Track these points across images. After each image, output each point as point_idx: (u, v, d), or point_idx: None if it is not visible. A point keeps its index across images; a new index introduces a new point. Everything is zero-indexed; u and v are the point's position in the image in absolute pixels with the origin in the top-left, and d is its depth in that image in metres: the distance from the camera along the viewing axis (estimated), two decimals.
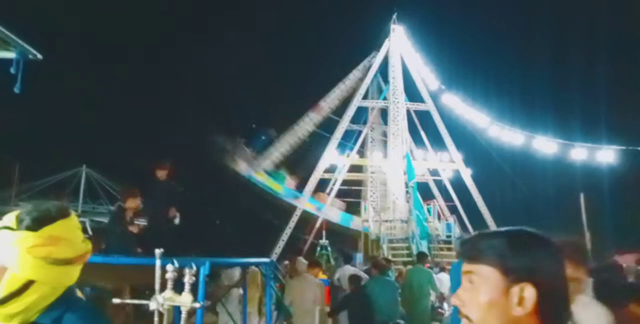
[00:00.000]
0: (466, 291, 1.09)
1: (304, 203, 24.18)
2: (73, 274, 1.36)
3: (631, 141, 18.89)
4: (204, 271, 3.77)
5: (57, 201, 1.40)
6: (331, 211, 24.53)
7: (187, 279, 1.88)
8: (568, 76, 34.39)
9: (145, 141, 36.71)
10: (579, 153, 21.12)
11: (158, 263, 1.79)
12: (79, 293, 1.45)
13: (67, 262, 1.31)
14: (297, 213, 24.20)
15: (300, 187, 24.74)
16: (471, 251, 1.11)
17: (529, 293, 1.01)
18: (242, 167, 23.18)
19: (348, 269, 9.41)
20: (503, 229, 1.13)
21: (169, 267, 1.80)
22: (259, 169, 23.83)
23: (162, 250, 1.78)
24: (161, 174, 6.96)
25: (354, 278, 7.64)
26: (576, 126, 26.95)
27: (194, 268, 1.89)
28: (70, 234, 1.34)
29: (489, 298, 1.04)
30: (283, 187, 23.48)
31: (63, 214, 1.34)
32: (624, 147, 19.58)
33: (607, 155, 20.44)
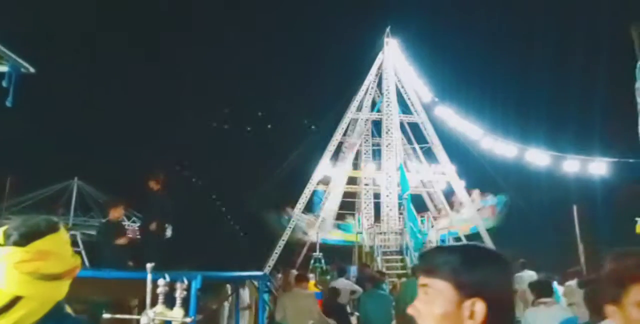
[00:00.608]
0: (422, 303, 1.16)
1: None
2: (62, 289, 1.34)
3: (623, 153, 19.03)
4: (196, 285, 3.73)
5: (49, 215, 1.38)
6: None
7: (179, 294, 1.86)
8: (561, 88, 34.75)
9: (139, 154, 36.63)
10: (572, 165, 21.25)
11: (149, 277, 1.77)
12: (68, 309, 1.43)
13: (56, 277, 1.30)
14: (291, 225, 24.11)
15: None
16: (427, 265, 1.18)
17: (479, 307, 1.09)
18: (314, 235, 22.86)
19: (342, 282, 9.36)
20: (458, 244, 1.24)
21: (160, 281, 1.78)
22: (330, 229, 23.74)
23: (153, 264, 1.76)
24: (154, 186, 6.94)
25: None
26: (569, 138, 27.18)
27: (186, 281, 1.87)
28: (60, 248, 1.32)
29: (443, 311, 1.12)
30: (357, 234, 23.16)
31: (52, 229, 1.32)
32: (615, 159, 19.73)
33: (599, 167, 20.57)
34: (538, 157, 22.17)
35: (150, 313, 1.73)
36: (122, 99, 41.98)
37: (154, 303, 1.79)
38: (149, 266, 1.73)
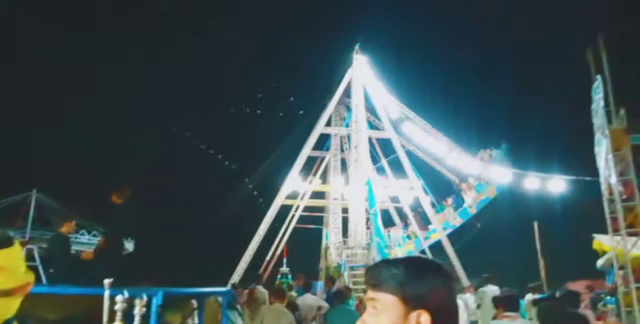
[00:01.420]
0: (371, 316, 1.20)
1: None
2: (12, 306, 1.29)
3: (581, 171, 19.77)
4: (157, 301, 3.63)
5: (5, 228, 1.34)
6: None
7: (138, 311, 1.81)
8: (522, 108, 35.96)
9: (102, 165, 35.69)
10: (532, 182, 21.91)
11: (107, 293, 1.71)
12: None
13: (6, 293, 1.24)
14: (258, 239, 23.88)
15: None
16: (374, 279, 1.22)
17: (424, 319, 1.14)
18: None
19: (309, 298, 9.26)
20: (402, 257, 1.27)
21: (119, 298, 1.72)
22: None
23: (111, 280, 1.71)
24: (118, 199, 6.76)
25: None
26: (530, 156, 28.01)
27: (145, 298, 1.82)
28: (12, 264, 1.28)
29: (390, 323, 1.16)
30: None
31: (5, 243, 1.28)
32: (573, 177, 20.48)
33: (558, 184, 21.29)
34: (501, 174, 22.74)
35: None
36: (90, 104, 40.85)
37: (111, 320, 1.73)
38: (106, 282, 1.68)
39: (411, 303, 1.16)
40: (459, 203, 25.37)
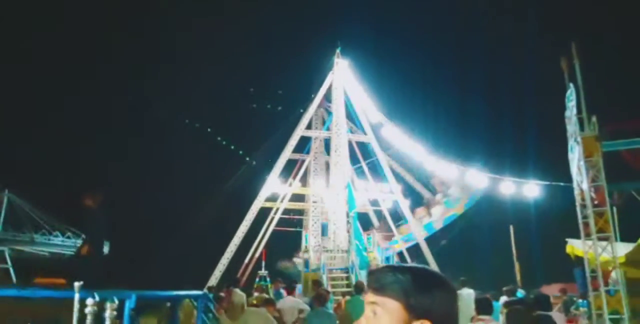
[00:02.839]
0: (369, 321, 1.17)
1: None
2: None
3: (555, 176, 20.16)
4: (130, 304, 3.58)
5: None
6: None
7: (108, 314, 1.79)
8: (499, 114, 36.58)
9: (78, 165, 35.04)
10: (508, 187, 22.26)
11: (77, 296, 1.69)
12: None
13: None
14: (236, 242, 23.71)
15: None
16: (378, 283, 1.19)
17: None
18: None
19: (290, 300, 9.24)
20: (408, 265, 1.24)
21: (89, 301, 1.70)
22: None
23: (81, 283, 1.69)
24: (91, 202, 6.64)
25: None
26: (506, 162, 28.47)
27: (116, 301, 1.80)
28: None
29: None
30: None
31: None
32: (548, 182, 20.89)
33: (532, 189, 21.68)
34: (477, 178, 23.04)
35: None
36: (66, 101, 40.05)
37: None
38: (76, 284, 1.66)
39: (415, 311, 1.14)
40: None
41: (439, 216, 24.96)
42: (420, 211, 26.06)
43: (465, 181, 23.94)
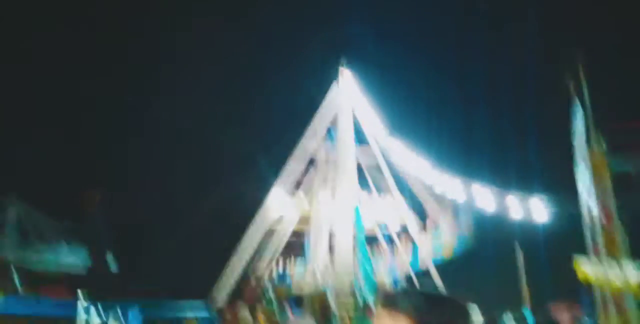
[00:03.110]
0: None
1: None
2: None
3: (561, 191, 19.94)
4: (134, 315, 3.56)
5: None
6: None
7: None
8: (504, 127, 36.36)
9: (78, 165, 34.45)
10: (513, 202, 22.00)
11: (80, 307, 1.69)
12: None
13: None
14: (242, 258, 23.33)
15: None
16: (390, 299, 1.23)
17: None
18: None
19: (296, 322, 9.13)
20: (424, 290, 1.28)
21: (93, 313, 1.70)
22: None
23: (84, 291, 1.68)
24: (89, 206, 6.61)
25: None
26: (511, 176, 28.16)
27: (120, 313, 1.80)
28: None
29: None
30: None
31: None
32: (553, 197, 20.65)
33: (539, 206, 21.42)
34: (482, 194, 22.74)
35: None
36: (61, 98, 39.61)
37: None
38: (80, 293, 1.66)
39: None
40: (414, 249, 23.98)
41: (425, 253, 23.25)
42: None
43: (454, 218, 23.19)
